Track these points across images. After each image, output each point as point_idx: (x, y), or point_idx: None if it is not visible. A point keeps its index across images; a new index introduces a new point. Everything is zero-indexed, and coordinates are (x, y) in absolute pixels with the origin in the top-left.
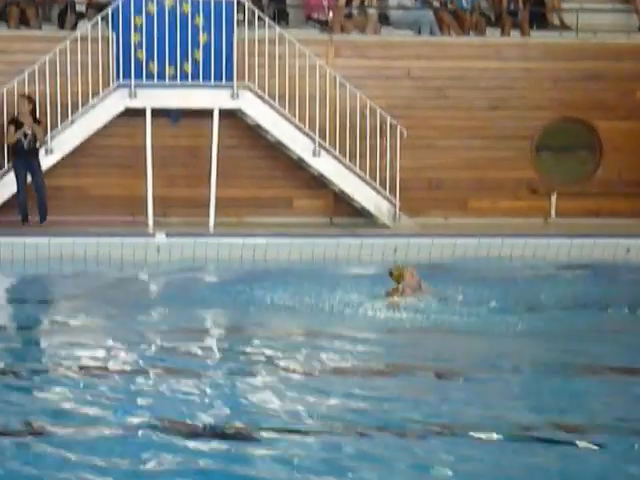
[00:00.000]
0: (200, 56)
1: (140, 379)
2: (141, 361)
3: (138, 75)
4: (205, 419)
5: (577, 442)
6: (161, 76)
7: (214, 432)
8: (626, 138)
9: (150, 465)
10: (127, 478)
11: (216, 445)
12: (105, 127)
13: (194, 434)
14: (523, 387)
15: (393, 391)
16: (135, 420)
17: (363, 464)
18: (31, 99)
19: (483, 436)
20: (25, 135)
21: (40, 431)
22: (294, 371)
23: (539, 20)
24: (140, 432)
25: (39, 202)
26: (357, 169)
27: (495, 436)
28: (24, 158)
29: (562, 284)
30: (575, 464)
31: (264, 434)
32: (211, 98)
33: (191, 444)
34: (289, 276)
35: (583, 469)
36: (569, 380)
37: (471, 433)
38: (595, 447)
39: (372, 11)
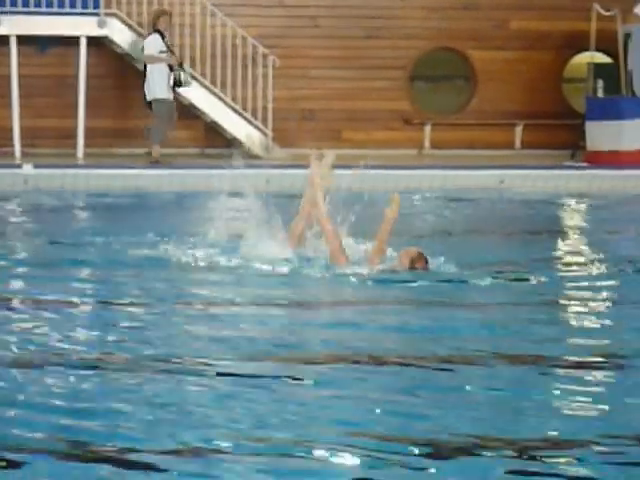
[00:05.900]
0: None
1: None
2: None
3: (1, 1)
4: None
5: None
6: (26, 2)
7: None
8: (500, 68)
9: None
10: None
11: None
12: None
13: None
14: None
15: None
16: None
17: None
18: None
19: None
20: None
21: None
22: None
23: None
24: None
25: None
26: (228, 99)
27: None
28: None
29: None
30: None
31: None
32: (77, 26)
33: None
34: (160, 208)
35: None
36: None
37: None
38: None
39: None
